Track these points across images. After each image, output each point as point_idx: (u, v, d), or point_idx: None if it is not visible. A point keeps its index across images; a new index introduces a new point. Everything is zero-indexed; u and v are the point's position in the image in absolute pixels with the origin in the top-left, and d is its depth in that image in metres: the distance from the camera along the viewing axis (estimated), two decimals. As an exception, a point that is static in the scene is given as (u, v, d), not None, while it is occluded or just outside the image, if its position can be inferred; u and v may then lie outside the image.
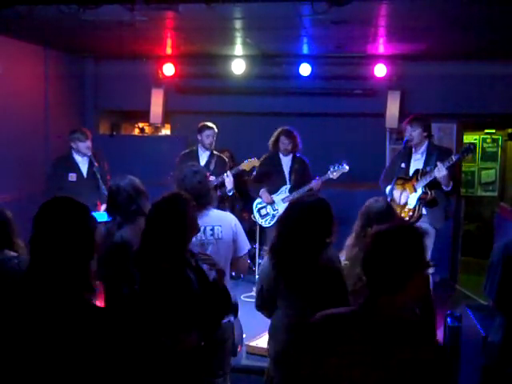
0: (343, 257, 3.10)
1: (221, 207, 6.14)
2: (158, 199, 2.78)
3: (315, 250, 2.72)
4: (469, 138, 9.09)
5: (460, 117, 7.28)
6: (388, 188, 5.03)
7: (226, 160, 6.07)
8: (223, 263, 3.30)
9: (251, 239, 6.68)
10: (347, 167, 5.73)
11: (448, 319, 4.28)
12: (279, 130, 5.94)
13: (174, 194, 2.84)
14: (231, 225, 3.37)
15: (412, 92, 7.11)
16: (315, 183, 5.72)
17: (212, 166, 5.82)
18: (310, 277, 2.69)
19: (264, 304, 2.94)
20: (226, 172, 5.65)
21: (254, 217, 6.19)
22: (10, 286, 2.93)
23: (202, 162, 5.84)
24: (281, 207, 5.87)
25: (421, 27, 5.29)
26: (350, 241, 3.11)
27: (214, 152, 5.98)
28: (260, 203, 6.11)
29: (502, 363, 3.03)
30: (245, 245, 3.45)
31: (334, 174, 5.75)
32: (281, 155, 5.99)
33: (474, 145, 4.72)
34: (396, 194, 4.93)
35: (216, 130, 5.90)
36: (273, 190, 6.00)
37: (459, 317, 4.18)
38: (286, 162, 5.99)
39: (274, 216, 5.97)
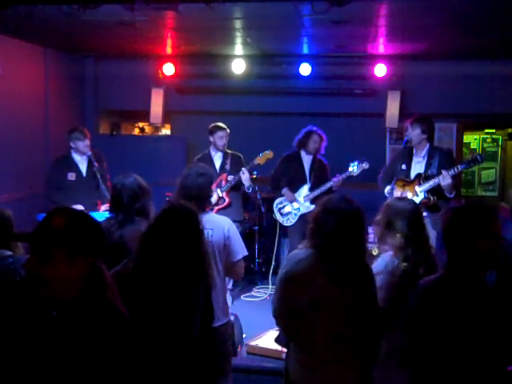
0: (385, 259, 3.03)
1: (245, 205, 6.15)
2: (168, 209, 2.64)
3: (362, 258, 2.69)
4: (469, 138, 9.11)
5: (460, 117, 7.28)
6: (387, 188, 5.01)
7: (241, 156, 5.99)
8: (214, 266, 3.28)
9: (251, 239, 6.72)
10: (367, 164, 5.76)
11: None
12: (309, 129, 5.94)
13: (182, 203, 2.74)
14: (224, 229, 3.32)
15: (412, 92, 7.11)
16: (335, 180, 5.74)
17: (228, 167, 5.78)
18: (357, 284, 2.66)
19: (289, 312, 2.72)
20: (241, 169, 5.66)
21: (275, 216, 6.18)
22: (3, 284, 2.94)
23: (217, 163, 5.78)
24: (302, 206, 5.93)
25: (421, 27, 5.29)
26: (397, 242, 3.01)
27: (228, 151, 5.90)
28: (280, 202, 6.10)
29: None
30: (239, 250, 3.36)
31: (355, 171, 5.78)
32: (303, 154, 6.00)
33: (482, 157, 4.60)
34: (396, 194, 4.91)
35: (228, 130, 5.84)
36: (293, 189, 6.01)
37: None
38: (306, 161, 6.01)
39: (295, 215, 5.99)
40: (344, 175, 5.77)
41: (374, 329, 2.71)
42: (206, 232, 3.20)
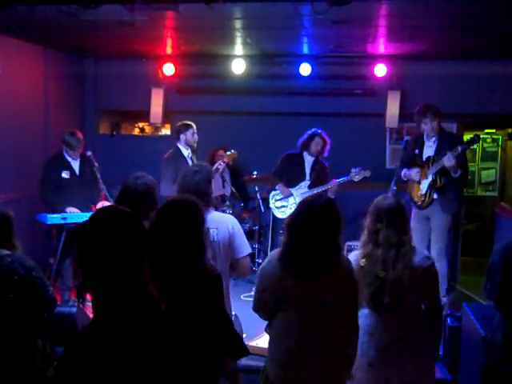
0: (354, 256, 3.05)
1: (245, 205, 6.17)
2: (169, 201, 2.67)
3: (332, 252, 2.69)
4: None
5: (460, 117, 7.28)
6: (403, 171, 5.30)
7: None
8: (219, 265, 3.30)
9: (251, 239, 6.72)
10: (369, 172, 5.90)
11: (448, 319, 4.29)
12: (313, 131, 6.02)
13: (185, 197, 2.78)
14: (228, 227, 3.35)
15: (412, 92, 7.10)
16: (332, 184, 5.86)
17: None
18: (328, 279, 2.66)
19: (264, 306, 2.83)
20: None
21: (270, 207, 6.29)
22: (2, 283, 2.95)
23: (190, 161, 5.83)
24: (299, 200, 5.96)
25: (421, 27, 5.28)
26: (363, 238, 3.04)
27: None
28: (278, 194, 6.20)
29: (502, 362, 3.03)
30: (243, 247, 3.41)
31: (357, 177, 5.88)
32: (305, 155, 6.07)
33: (478, 135, 5.00)
34: (413, 172, 5.17)
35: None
36: (292, 184, 6.10)
37: (459, 317, 4.19)
38: (308, 161, 6.10)
39: (291, 208, 6.07)
40: (344, 179, 5.86)
41: (350, 330, 2.72)
42: (211, 231, 3.24)
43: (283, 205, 6.15)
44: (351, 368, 2.74)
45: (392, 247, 2.95)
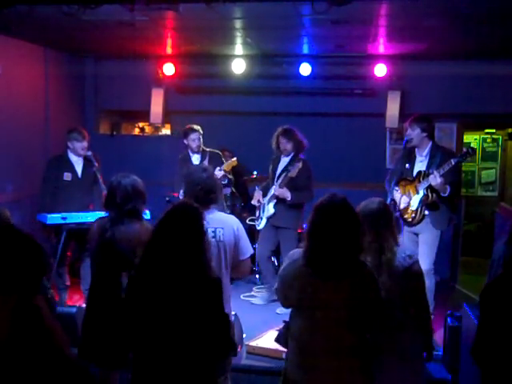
0: None
1: (245, 205, 6.13)
2: (170, 208, 2.63)
3: (355, 251, 2.66)
4: (469, 138, 9.10)
5: (460, 117, 7.28)
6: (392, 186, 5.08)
7: (220, 153, 6.09)
8: (224, 265, 3.31)
9: (251, 239, 6.70)
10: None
11: (448, 319, 4.29)
12: (278, 130, 5.76)
13: (185, 202, 2.76)
14: (233, 228, 3.36)
15: (412, 92, 7.11)
16: (276, 189, 5.62)
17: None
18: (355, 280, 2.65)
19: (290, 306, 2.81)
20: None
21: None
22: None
23: (196, 163, 5.87)
24: (267, 209, 5.83)
25: (421, 27, 5.29)
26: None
27: (206, 149, 6.03)
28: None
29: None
30: (247, 248, 3.43)
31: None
32: (282, 157, 5.81)
33: (474, 149, 4.68)
34: (397, 196, 4.94)
35: (201, 131, 5.95)
36: (265, 193, 5.92)
37: (459, 317, 4.18)
38: (283, 163, 5.80)
39: (261, 219, 5.92)
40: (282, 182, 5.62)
41: (374, 330, 2.72)
42: (217, 231, 3.25)
43: (258, 215, 5.97)
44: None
45: (376, 254, 2.89)
